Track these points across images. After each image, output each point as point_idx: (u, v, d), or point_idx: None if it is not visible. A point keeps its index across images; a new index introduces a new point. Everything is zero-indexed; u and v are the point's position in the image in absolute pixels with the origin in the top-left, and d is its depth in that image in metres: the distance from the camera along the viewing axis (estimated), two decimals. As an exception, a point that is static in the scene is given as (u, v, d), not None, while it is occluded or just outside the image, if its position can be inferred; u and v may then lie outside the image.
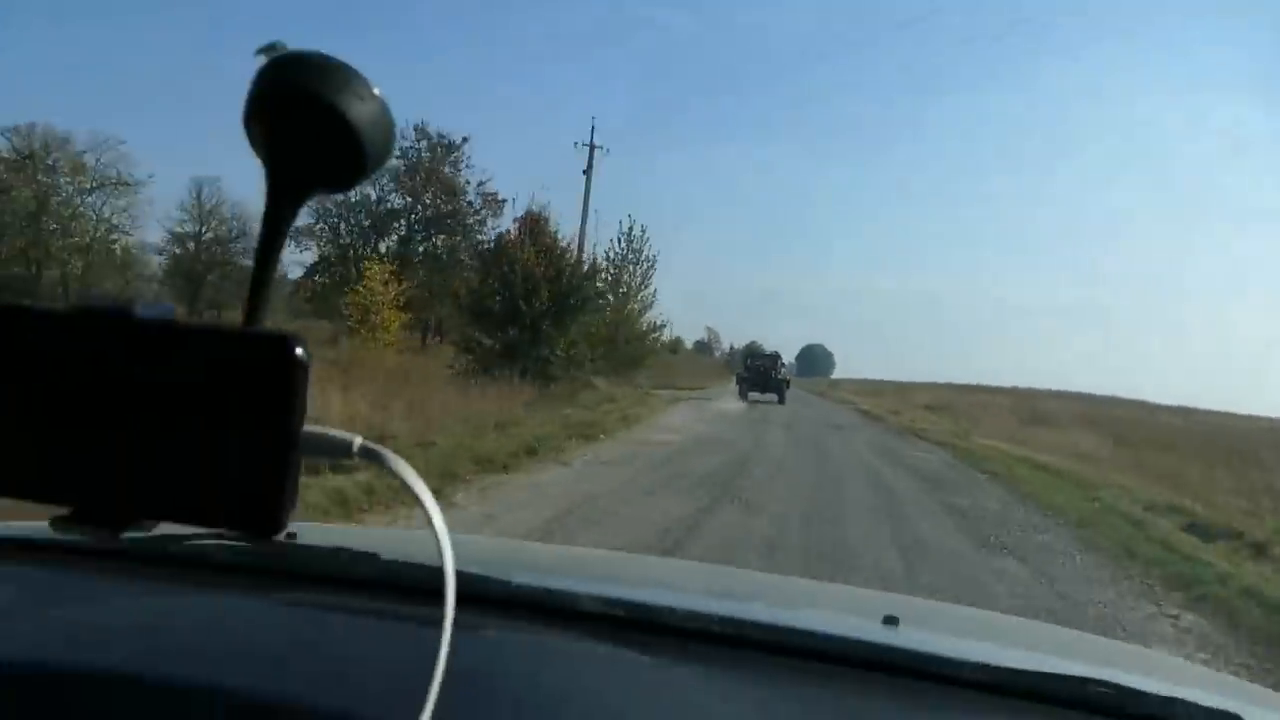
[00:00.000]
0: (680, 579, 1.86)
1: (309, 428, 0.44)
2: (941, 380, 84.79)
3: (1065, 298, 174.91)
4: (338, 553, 1.16)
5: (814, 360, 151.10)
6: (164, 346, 0.45)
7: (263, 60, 0.47)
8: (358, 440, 0.46)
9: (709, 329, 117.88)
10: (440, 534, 0.48)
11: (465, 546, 1.44)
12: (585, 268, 23.45)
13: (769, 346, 52.42)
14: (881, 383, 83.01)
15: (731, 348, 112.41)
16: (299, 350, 0.44)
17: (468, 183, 46.76)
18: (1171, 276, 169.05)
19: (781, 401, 34.56)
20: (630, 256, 48.44)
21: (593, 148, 26.37)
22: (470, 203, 47.39)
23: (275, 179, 0.48)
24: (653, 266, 48.46)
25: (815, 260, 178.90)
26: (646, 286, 48.62)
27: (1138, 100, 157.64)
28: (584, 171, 27.15)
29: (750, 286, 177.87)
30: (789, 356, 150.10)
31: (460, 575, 0.84)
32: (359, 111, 0.47)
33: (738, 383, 39.64)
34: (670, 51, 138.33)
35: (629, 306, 48.16)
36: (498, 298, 21.76)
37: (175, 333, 0.45)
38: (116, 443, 0.45)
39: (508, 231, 23.65)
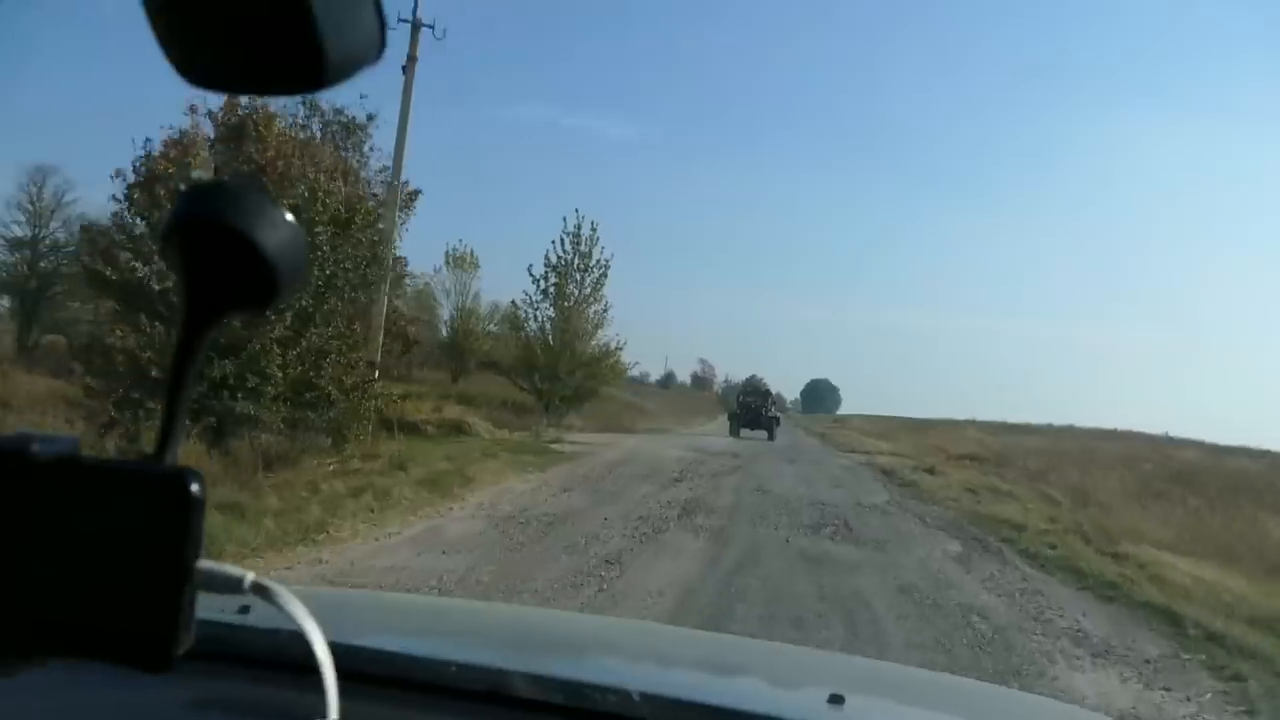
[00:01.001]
0: (611, 643, 1.63)
1: (203, 563, 0.44)
2: (960, 416, 72.83)
3: (1074, 329, 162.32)
4: (275, 633, 1.02)
5: (819, 395, 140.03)
6: (62, 485, 0.43)
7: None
8: (249, 576, 0.46)
9: (703, 361, 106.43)
10: (327, 682, 0.49)
11: (407, 607, 1.96)
12: (350, 212, 11.65)
13: (769, 380, 45.55)
14: (892, 420, 70.65)
15: (727, 380, 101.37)
16: (195, 487, 0.44)
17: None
18: (1177, 305, 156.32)
19: (771, 438, 32.98)
20: (577, 262, 37.19)
21: (416, 26, 14.91)
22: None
23: (190, 303, 0.47)
24: (605, 274, 37.12)
25: (820, 293, 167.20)
26: (597, 299, 37.22)
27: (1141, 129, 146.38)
28: (403, 67, 15.66)
29: (752, 319, 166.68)
30: (794, 391, 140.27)
31: (385, 656, 1.03)
32: (270, 239, 0.46)
33: (729, 419, 37.36)
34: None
35: (574, 324, 36.74)
36: (133, 260, 10.19)
37: (74, 471, 0.44)
38: (7, 578, 0.43)
39: (180, 134, 11.90)
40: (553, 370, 36.08)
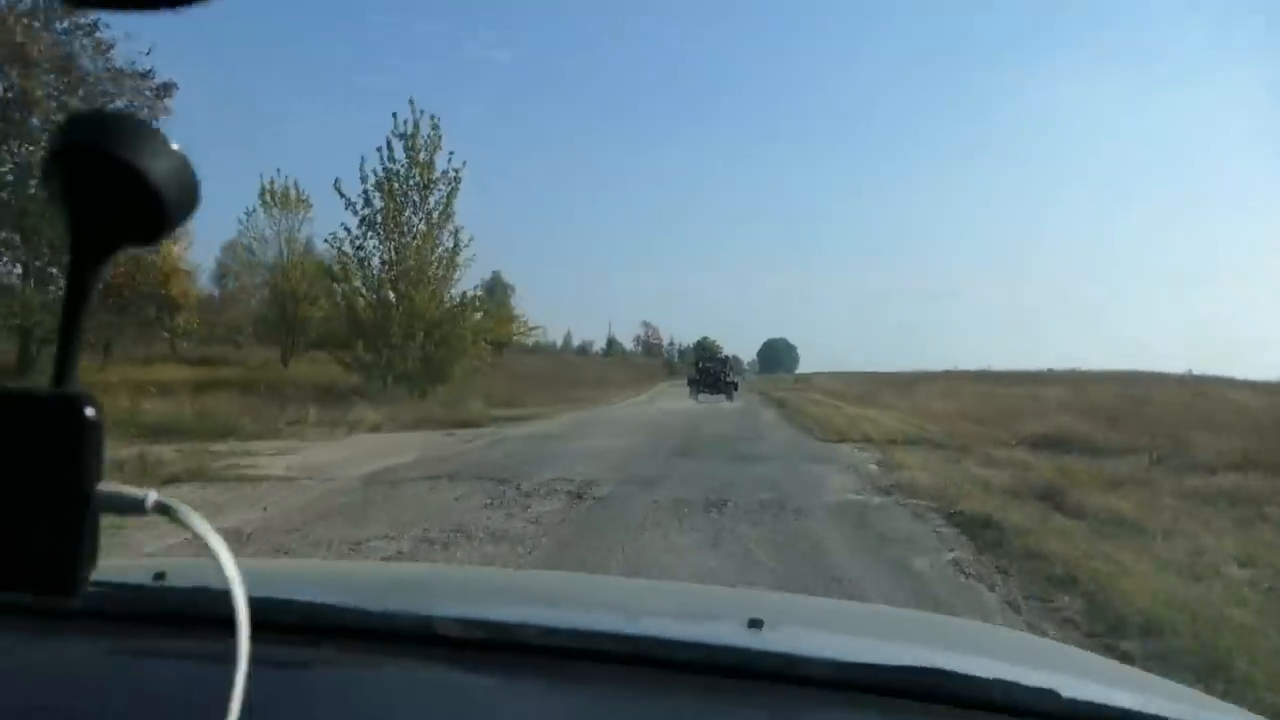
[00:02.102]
0: (527, 590, 1.61)
1: (104, 486, 0.43)
2: (934, 367, 61.61)
3: (1025, 277, 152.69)
4: (193, 591, 1.04)
5: (777, 355, 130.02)
6: None
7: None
8: (152, 495, 0.45)
9: (646, 325, 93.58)
10: (233, 582, 0.48)
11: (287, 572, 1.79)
12: None
13: (721, 342, 39.58)
14: (860, 376, 59.01)
15: (672, 343, 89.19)
16: (90, 410, 0.43)
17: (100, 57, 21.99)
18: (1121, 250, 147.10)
19: (730, 400, 33.78)
20: (414, 175, 24.29)
21: None
22: (104, 90, 22.69)
23: (77, 236, 0.46)
24: (455, 190, 24.23)
25: (768, 256, 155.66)
26: (448, 228, 24.40)
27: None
28: None
29: (697, 284, 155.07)
30: (749, 351, 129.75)
31: (277, 603, 1.00)
32: (156, 167, 0.44)
33: (689, 384, 38.50)
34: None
35: (417, 265, 23.96)
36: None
37: None
38: None
39: None
40: (383, 334, 23.40)
